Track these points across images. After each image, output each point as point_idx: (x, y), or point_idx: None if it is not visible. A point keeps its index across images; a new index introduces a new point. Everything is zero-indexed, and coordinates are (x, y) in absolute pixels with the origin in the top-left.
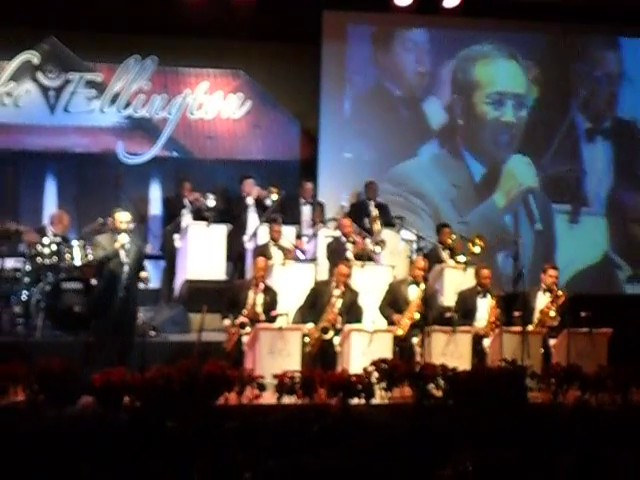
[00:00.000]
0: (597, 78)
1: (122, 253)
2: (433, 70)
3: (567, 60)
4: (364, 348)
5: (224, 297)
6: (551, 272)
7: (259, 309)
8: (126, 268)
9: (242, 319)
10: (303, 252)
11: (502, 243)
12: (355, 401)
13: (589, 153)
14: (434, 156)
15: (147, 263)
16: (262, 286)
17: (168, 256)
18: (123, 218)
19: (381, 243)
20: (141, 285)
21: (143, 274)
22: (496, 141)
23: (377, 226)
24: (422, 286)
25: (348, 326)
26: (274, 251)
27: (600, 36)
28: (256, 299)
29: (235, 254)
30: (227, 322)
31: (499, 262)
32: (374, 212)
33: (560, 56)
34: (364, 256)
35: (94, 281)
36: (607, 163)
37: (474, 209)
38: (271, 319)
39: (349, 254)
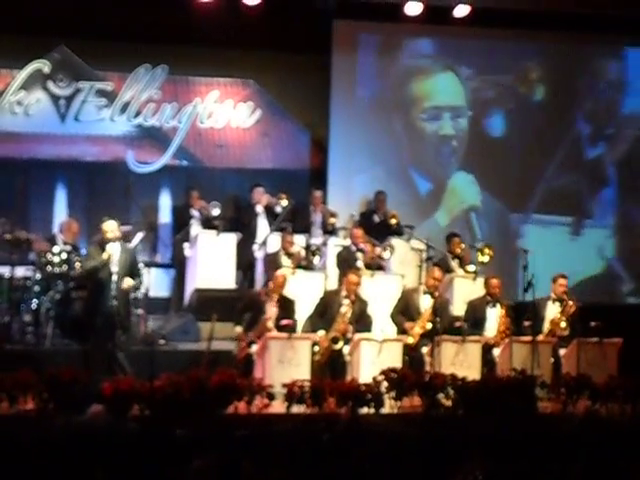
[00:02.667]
0: (601, 88)
1: (111, 263)
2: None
3: (573, 71)
4: (373, 357)
5: (239, 302)
6: (561, 281)
7: (270, 324)
8: (115, 277)
9: (252, 337)
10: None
11: None
12: (364, 410)
13: (594, 165)
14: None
15: (146, 269)
16: (276, 300)
17: (178, 265)
18: (109, 227)
19: (389, 248)
20: (137, 293)
21: (127, 283)
22: (438, 155)
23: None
24: (435, 296)
25: (357, 335)
26: (284, 260)
27: (605, 46)
28: (271, 313)
29: (245, 263)
30: (239, 329)
31: None
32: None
33: (566, 67)
34: (374, 265)
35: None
36: (612, 175)
37: (417, 226)
38: (281, 328)
39: (359, 263)
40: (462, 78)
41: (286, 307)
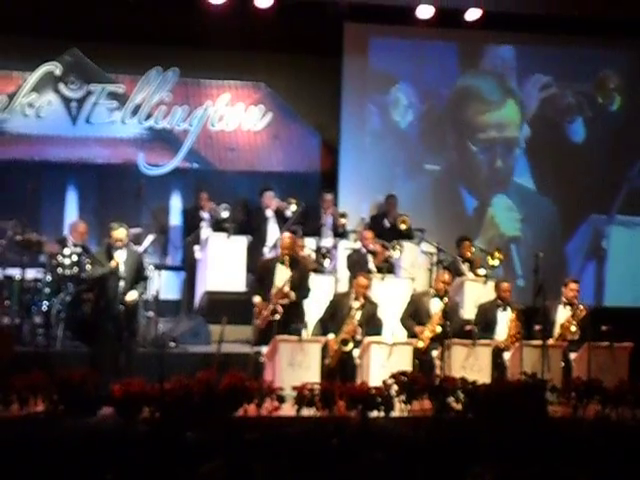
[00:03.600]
0: None
1: (120, 269)
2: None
3: None
4: (383, 360)
5: (254, 274)
6: (572, 286)
7: (287, 288)
8: (122, 282)
9: (271, 305)
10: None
11: None
12: (374, 414)
13: None
14: (434, 183)
15: (156, 272)
16: (288, 262)
17: (188, 267)
18: (119, 235)
19: (399, 247)
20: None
21: (131, 297)
22: (487, 182)
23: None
24: (445, 299)
25: (367, 338)
26: None
27: None
28: (284, 278)
29: (255, 265)
30: (257, 299)
31: None
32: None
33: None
34: (384, 268)
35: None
36: None
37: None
38: (291, 332)
39: (371, 266)
40: (521, 102)
41: (298, 267)
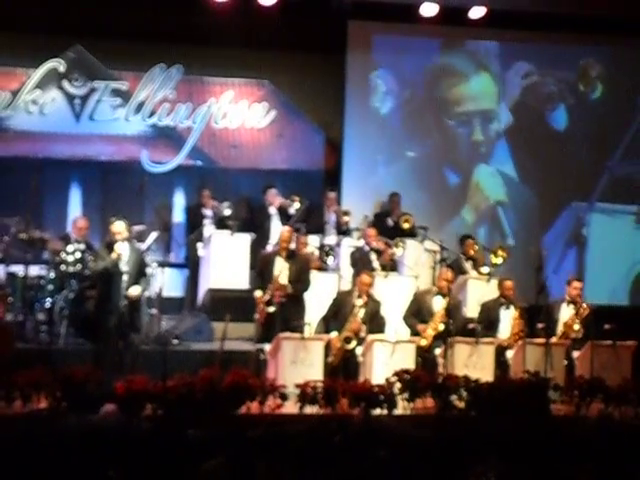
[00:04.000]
0: None
1: (121, 262)
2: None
3: (634, 60)
4: (386, 358)
5: (255, 268)
6: (575, 284)
7: (284, 280)
8: (125, 277)
9: (267, 296)
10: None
11: None
12: (377, 412)
13: None
14: (412, 164)
15: (159, 269)
16: (287, 255)
17: (192, 265)
18: (118, 229)
19: (401, 243)
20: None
21: (134, 292)
22: (468, 156)
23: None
24: (448, 298)
25: (371, 336)
26: None
27: None
28: (282, 270)
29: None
30: (258, 293)
31: None
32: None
33: (626, 57)
34: (387, 266)
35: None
36: None
37: (445, 225)
38: (293, 329)
39: (375, 264)
40: (496, 77)
41: (297, 260)
